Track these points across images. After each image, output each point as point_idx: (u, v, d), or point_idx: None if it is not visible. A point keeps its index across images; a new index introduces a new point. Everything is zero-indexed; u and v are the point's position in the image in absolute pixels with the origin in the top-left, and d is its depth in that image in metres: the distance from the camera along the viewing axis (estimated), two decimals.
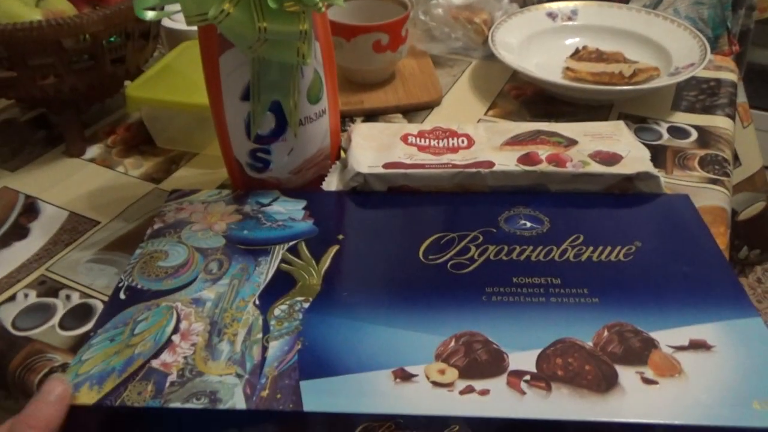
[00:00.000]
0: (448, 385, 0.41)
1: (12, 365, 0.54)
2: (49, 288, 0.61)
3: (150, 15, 0.56)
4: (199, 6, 0.50)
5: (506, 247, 0.53)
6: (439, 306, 0.47)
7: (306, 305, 0.48)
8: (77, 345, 0.54)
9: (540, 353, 0.43)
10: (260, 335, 0.46)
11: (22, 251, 0.65)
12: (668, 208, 0.58)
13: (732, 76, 0.90)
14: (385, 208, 0.59)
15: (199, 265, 0.53)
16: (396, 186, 0.61)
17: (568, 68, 0.87)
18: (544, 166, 0.61)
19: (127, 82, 0.80)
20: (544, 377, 0.42)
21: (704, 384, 0.41)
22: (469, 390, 0.41)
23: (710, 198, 0.68)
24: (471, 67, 0.95)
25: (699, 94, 0.86)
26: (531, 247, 0.53)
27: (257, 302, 0.49)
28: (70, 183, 0.74)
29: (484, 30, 0.94)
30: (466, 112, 0.85)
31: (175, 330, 0.47)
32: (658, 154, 0.74)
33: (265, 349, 0.45)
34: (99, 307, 0.58)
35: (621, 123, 0.68)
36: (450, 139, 0.66)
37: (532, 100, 0.87)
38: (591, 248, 0.53)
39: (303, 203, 0.60)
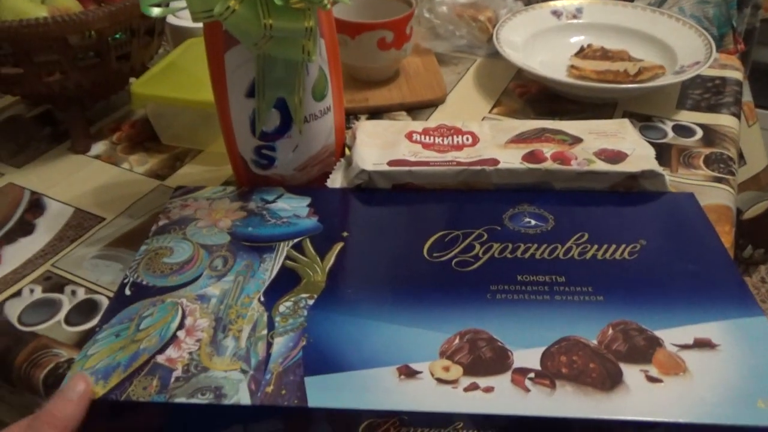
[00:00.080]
0: (453, 382, 0.41)
1: (18, 360, 0.54)
2: (55, 284, 0.61)
3: (156, 12, 0.56)
4: (205, 3, 0.50)
5: (511, 245, 0.53)
6: (444, 303, 0.47)
7: (311, 302, 0.48)
8: (83, 340, 0.54)
9: (544, 351, 0.43)
10: (265, 331, 0.46)
11: (27, 247, 0.65)
12: (673, 206, 0.58)
13: (737, 75, 0.90)
14: (389, 205, 0.59)
15: (204, 262, 0.53)
16: (400, 183, 0.61)
17: (572, 66, 0.87)
18: (548, 164, 0.61)
19: (132, 79, 0.81)
20: (548, 375, 0.42)
21: (709, 383, 0.41)
22: (474, 387, 0.41)
23: (715, 196, 0.68)
24: (475, 65, 0.95)
25: (704, 93, 0.86)
26: (535, 245, 0.53)
27: (262, 299, 0.49)
28: (75, 179, 0.75)
29: (488, 28, 0.94)
30: (471, 110, 0.85)
31: (180, 326, 0.47)
32: (663, 153, 0.74)
33: (269, 345, 0.45)
34: (104, 302, 0.59)
35: (626, 121, 0.68)
36: (455, 136, 0.66)
37: (536, 98, 0.87)
38: (596, 246, 0.53)
39: (307, 200, 0.60)
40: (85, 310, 0.58)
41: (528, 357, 0.43)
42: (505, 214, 0.57)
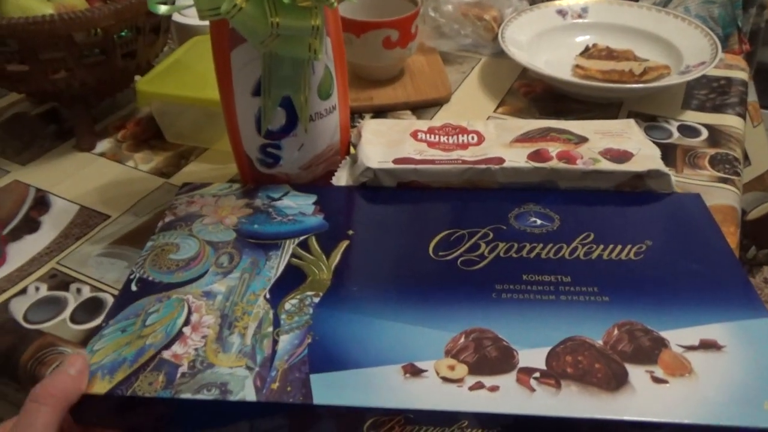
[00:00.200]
0: (458, 381, 0.41)
1: (23, 358, 0.54)
2: (60, 281, 0.61)
3: (163, 9, 0.56)
4: (212, 1, 0.51)
5: (516, 245, 0.53)
6: (449, 302, 0.47)
7: (316, 300, 0.48)
8: (88, 338, 0.54)
9: (550, 351, 0.43)
10: (271, 329, 0.46)
11: (33, 244, 0.66)
12: (679, 207, 0.58)
13: (743, 75, 0.90)
14: (395, 203, 0.59)
15: (210, 259, 0.53)
16: (405, 182, 0.61)
17: (577, 66, 0.87)
18: (554, 163, 0.60)
19: (137, 77, 0.81)
20: (553, 375, 0.42)
21: (714, 384, 0.41)
22: (479, 386, 0.41)
23: (720, 197, 0.68)
24: (480, 64, 0.95)
25: (709, 93, 0.86)
26: (541, 245, 0.53)
27: (268, 296, 0.49)
28: (80, 177, 0.75)
29: (493, 27, 0.94)
30: (475, 109, 0.85)
31: (186, 322, 0.47)
32: (668, 153, 0.74)
33: (275, 342, 0.45)
34: (109, 300, 0.59)
35: (631, 121, 0.68)
36: (460, 135, 0.66)
37: (541, 97, 0.87)
38: (601, 246, 0.53)
39: (313, 198, 0.60)
40: (90, 308, 0.58)
41: (533, 357, 0.43)
42: (510, 214, 0.57)
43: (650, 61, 0.85)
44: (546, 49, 0.92)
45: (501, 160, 0.61)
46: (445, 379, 0.42)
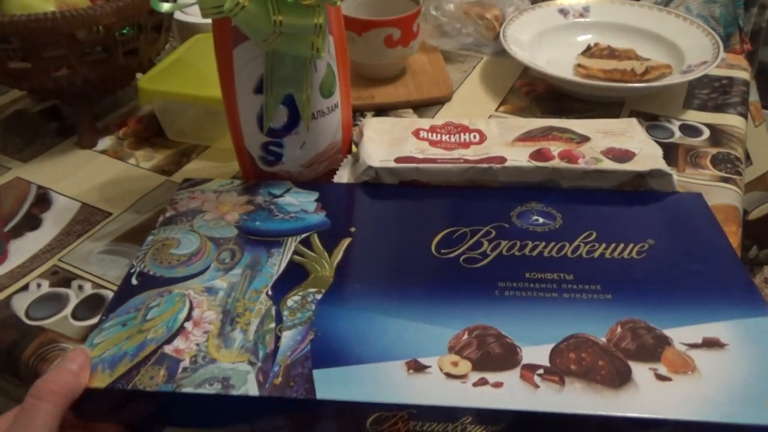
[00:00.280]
0: (462, 377, 0.41)
1: (25, 355, 0.54)
2: (62, 278, 0.61)
3: (166, 7, 0.56)
4: None
5: (519, 243, 0.53)
6: (452, 299, 0.47)
7: (319, 296, 0.48)
8: (90, 335, 0.54)
9: (553, 348, 0.43)
10: (273, 325, 0.46)
11: (34, 241, 0.66)
12: (681, 206, 0.58)
13: (744, 75, 0.90)
14: (396, 201, 0.59)
15: (212, 255, 0.53)
16: (407, 180, 0.61)
17: (579, 65, 0.87)
18: (556, 162, 0.60)
19: (139, 75, 0.81)
20: (557, 371, 0.42)
21: (717, 382, 0.41)
22: (483, 382, 0.41)
23: (722, 196, 0.68)
24: (482, 63, 0.95)
25: (711, 92, 0.86)
26: (543, 243, 0.53)
27: (270, 293, 0.49)
28: (81, 174, 0.75)
29: (495, 26, 0.94)
30: (477, 108, 0.85)
31: (188, 317, 0.47)
32: (669, 152, 0.74)
33: (278, 338, 0.45)
34: (111, 297, 0.59)
35: (633, 120, 0.68)
36: (462, 134, 0.66)
37: (543, 96, 0.87)
38: (604, 245, 0.53)
39: (315, 195, 0.60)
40: (91, 304, 0.58)
41: (537, 353, 0.43)
42: (513, 212, 0.57)
43: (652, 61, 0.85)
44: (548, 48, 0.92)
45: (503, 159, 0.61)
46: (449, 375, 0.42)
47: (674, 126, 0.80)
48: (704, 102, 0.84)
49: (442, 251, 0.53)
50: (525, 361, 0.42)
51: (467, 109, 0.85)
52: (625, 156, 0.61)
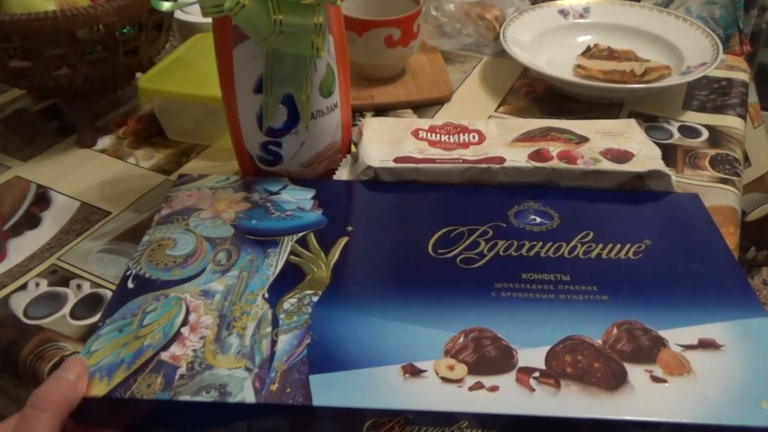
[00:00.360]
0: (458, 381, 0.41)
1: (23, 353, 0.55)
2: (61, 277, 0.61)
3: (166, 6, 0.56)
4: None
5: (516, 243, 0.53)
6: (448, 301, 0.47)
7: (315, 299, 0.48)
8: (88, 334, 0.54)
9: (549, 350, 0.43)
10: (269, 329, 0.46)
11: (33, 240, 0.66)
12: (678, 206, 0.58)
13: (744, 76, 0.90)
14: (394, 199, 0.59)
15: (208, 255, 0.53)
16: (406, 180, 0.61)
17: (579, 66, 0.87)
18: (554, 163, 0.61)
19: (139, 74, 0.81)
20: (553, 374, 0.42)
21: (713, 383, 0.41)
22: (479, 386, 0.41)
23: (720, 198, 0.68)
24: (482, 63, 0.95)
25: (710, 94, 0.86)
26: (540, 243, 0.53)
27: (266, 295, 0.49)
28: (81, 173, 0.75)
29: (495, 26, 0.94)
30: (477, 109, 0.85)
31: (185, 322, 0.46)
32: (668, 153, 0.74)
33: (274, 343, 0.45)
34: (109, 297, 0.59)
35: (632, 121, 0.68)
36: (461, 134, 0.66)
37: (542, 97, 0.87)
38: (600, 245, 0.53)
39: (312, 192, 0.60)
40: (90, 303, 0.58)
41: (533, 356, 0.43)
42: (510, 211, 0.57)
43: (651, 62, 0.85)
44: (547, 48, 0.92)
45: (502, 160, 0.61)
46: (445, 380, 0.42)
47: (673, 127, 0.80)
48: (703, 103, 0.84)
49: (439, 251, 0.53)
50: (521, 364, 0.42)
51: (467, 109, 0.85)
52: (623, 157, 0.61)
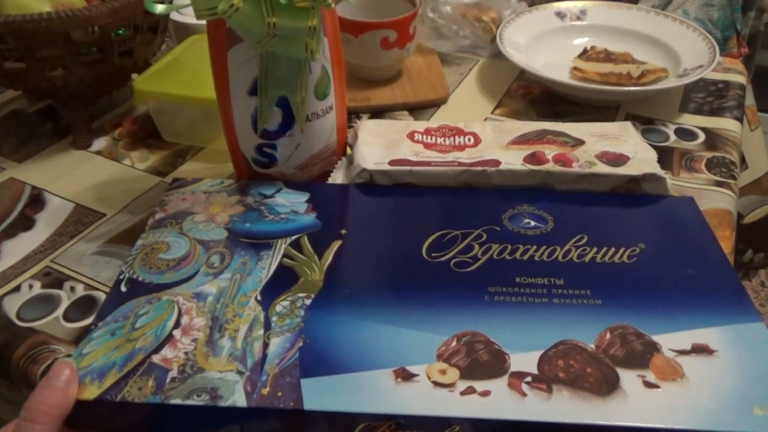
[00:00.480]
0: (449, 386, 0.41)
1: (16, 356, 0.54)
2: (54, 279, 0.61)
3: (160, 8, 0.56)
4: (209, 0, 0.50)
5: (510, 246, 0.53)
6: (442, 305, 0.47)
7: (308, 302, 0.48)
8: (81, 336, 0.54)
9: (542, 355, 0.43)
10: (261, 332, 0.46)
11: (27, 242, 0.65)
12: (673, 210, 0.58)
13: (741, 79, 0.90)
14: (389, 202, 0.59)
15: (201, 258, 0.52)
16: (401, 183, 0.61)
17: (575, 68, 0.87)
18: (550, 166, 0.60)
19: (134, 75, 0.80)
20: (545, 379, 0.42)
21: (706, 389, 0.41)
22: (470, 391, 0.41)
23: (716, 200, 0.68)
24: (478, 65, 0.95)
25: (707, 96, 0.86)
26: (534, 247, 0.53)
27: (259, 298, 0.48)
28: (76, 175, 0.75)
29: (492, 28, 0.94)
30: (473, 111, 0.85)
31: (177, 325, 0.46)
32: (664, 156, 0.74)
33: (266, 345, 0.45)
34: (103, 299, 0.59)
35: (628, 124, 0.68)
36: (456, 137, 0.66)
37: (539, 99, 0.87)
38: (595, 249, 0.53)
39: (306, 195, 0.59)
40: (83, 306, 0.58)
41: (525, 360, 0.43)
42: (504, 215, 0.57)
43: (648, 64, 0.85)
44: (544, 50, 0.92)
45: (497, 163, 0.61)
46: (437, 384, 0.41)
47: (670, 129, 0.80)
48: (700, 106, 0.84)
49: (433, 255, 0.52)
50: (513, 368, 0.42)
51: (463, 111, 0.85)
52: (619, 160, 0.61)
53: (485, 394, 0.41)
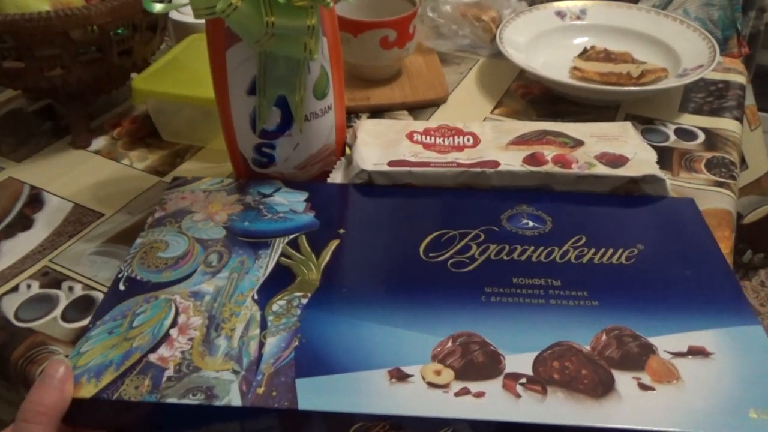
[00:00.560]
0: (444, 386, 0.41)
1: (14, 356, 0.54)
2: (52, 279, 0.61)
3: (158, 8, 0.56)
4: None
5: (507, 247, 0.53)
6: (438, 305, 0.47)
7: (304, 301, 0.48)
8: (79, 337, 0.54)
9: (537, 356, 0.43)
10: (258, 331, 0.46)
11: (26, 242, 0.65)
12: (672, 211, 0.58)
13: (740, 79, 0.89)
14: (387, 202, 0.59)
15: (199, 257, 0.53)
16: (400, 184, 0.61)
17: (575, 68, 0.87)
18: (549, 167, 0.60)
19: (133, 75, 0.80)
20: (540, 381, 0.42)
21: (701, 391, 0.41)
22: (465, 392, 0.41)
23: (716, 201, 0.68)
24: (478, 65, 0.95)
25: (707, 96, 0.86)
26: (532, 248, 0.53)
27: (256, 297, 0.49)
28: (75, 174, 0.75)
29: (492, 28, 0.94)
30: (473, 110, 0.85)
31: (174, 324, 0.46)
32: (664, 156, 0.74)
33: (262, 345, 0.45)
34: (101, 299, 0.59)
35: (628, 124, 0.68)
36: (456, 137, 0.66)
37: (538, 99, 0.86)
38: (593, 250, 0.53)
39: (305, 195, 0.59)
40: (82, 306, 0.58)
41: (520, 362, 0.43)
42: (503, 215, 0.57)
43: (648, 64, 0.85)
44: (544, 50, 0.91)
45: (496, 164, 0.61)
46: (431, 385, 0.41)
47: (669, 130, 0.80)
48: (700, 106, 0.84)
49: (431, 255, 0.52)
50: (508, 369, 0.42)
51: (463, 111, 0.85)
52: (618, 161, 0.61)
53: (479, 395, 0.41)
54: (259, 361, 0.43)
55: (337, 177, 0.63)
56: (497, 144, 0.64)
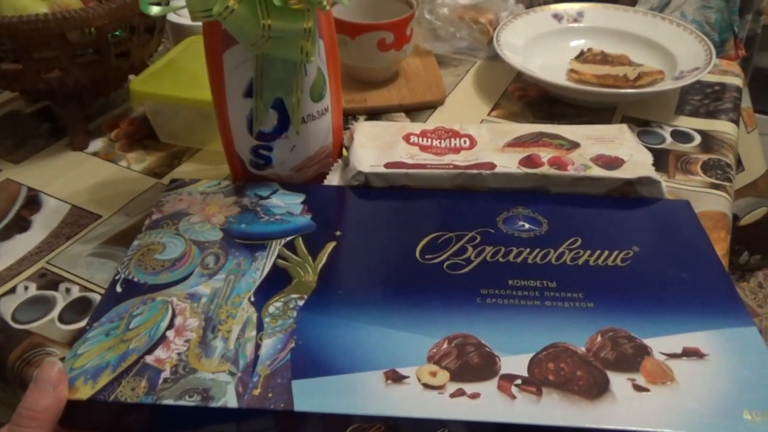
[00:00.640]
0: (439, 388, 0.41)
1: (11, 358, 0.54)
2: (50, 281, 0.61)
3: (155, 10, 0.56)
4: (204, 2, 0.51)
5: (503, 249, 0.53)
6: (434, 307, 0.47)
7: (301, 303, 0.48)
8: (76, 339, 0.54)
9: (532, 357, 0.43)
10: (254, 333, 0.46)
11: (23, 244, 0.66)
12: (668, 213, 0.58)
13: (737, 81, 0.90)
14: (383, 204, 0.59)
15: (196, 259, 0.53)
16: (397, 186, 0.61)
17: (572, 70, 0.87)
18: (545, 169, 0.61)
19: (131, 77, 0.81)
20: (535, 382, 0.42)
21: (696, 392, 0.41)
22: (460, 393, 0.41)
23: (712, 203, 0.68)
24: (475, 67, 0.95)
25: (703, 99, 0.86)
26: (528, 249, 0.53)
27: (252, 299, 0.49)
28: (72, 176, 0.75)
29: (489, 30, 0.94)
30: (470, 113, 0.85)
31: (170, 325, 0.47)
32: (660, 158, 0.74)
33: (258, 346, 0.45)
34: (98, 301, 0.59)
35: (624, 126, 0.68)
36: (452, 139, 0.66)
37: (535, 101, 0.87)
38: (588, 252, 0.53)
39: (302, 197, 0.60)
40: (79, 308, 0.58)
41: (515, 363, 0.43)
42: (499, 217, 0.57)
43: (644, 66, 0.85)
44: (541, 52, 0.92)
45: (492, 166, 0.61)
46: (426, 386, 0.42)
47: (666, 132, 0.80)
48: (696, 108, 0.84)
49: (427, 257, 0.53)
50: (503, 371, 0.42)
51: (460, 113, 0.85)
52: (614, 163, 0.61)
53: (475, 396, 0.41)
54: (256, 362, 0.44)
55: (333, 179, 0.63)
56: (494, 146, 0.65)
